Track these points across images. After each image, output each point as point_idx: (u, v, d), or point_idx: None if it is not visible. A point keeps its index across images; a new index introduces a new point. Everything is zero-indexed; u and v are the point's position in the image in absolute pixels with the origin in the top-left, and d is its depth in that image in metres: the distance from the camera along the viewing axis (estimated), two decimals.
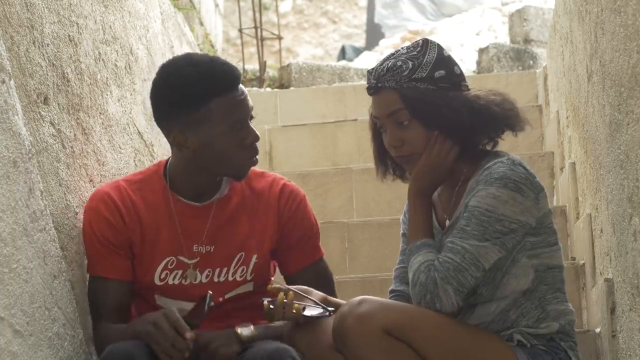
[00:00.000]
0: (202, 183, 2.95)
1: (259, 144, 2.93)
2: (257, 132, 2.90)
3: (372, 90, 2.84)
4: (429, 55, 2.80)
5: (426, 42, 2.83)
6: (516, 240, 2.71)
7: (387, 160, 2.90)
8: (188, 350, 2.65)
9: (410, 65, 2.79)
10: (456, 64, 2.83)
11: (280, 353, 2.72)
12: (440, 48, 2.83)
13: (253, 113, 2.91)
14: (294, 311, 2.73)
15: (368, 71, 2.86)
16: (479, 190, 2.71)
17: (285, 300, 2.74)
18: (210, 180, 2.95)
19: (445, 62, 2.81)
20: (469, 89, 2.83)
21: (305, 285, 2.87)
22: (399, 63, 2.80)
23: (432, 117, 2.77)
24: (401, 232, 2.98)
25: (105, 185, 3.03)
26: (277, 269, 3.10)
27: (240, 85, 2.88)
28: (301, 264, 3.02)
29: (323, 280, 3.02)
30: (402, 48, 2.85)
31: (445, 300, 2.66)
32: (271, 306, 2.73)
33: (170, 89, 2.86)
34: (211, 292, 2.72)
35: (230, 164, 2.88)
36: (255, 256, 2.96)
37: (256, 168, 2.99)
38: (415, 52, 2.81)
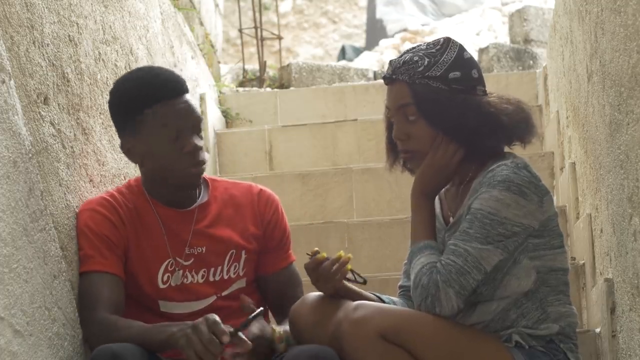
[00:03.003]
0: (171, 193, 3.01)
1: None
2: (198, 143, 2.94)
3: (386, 80, 2.85)
4: (447, 54, 2.79)
5: (447, 41, 2.82)
6: (518, 242, 2.71)
7: (398, 151, 2.90)
8: (220, 355, 2.61)
9: (426, 62, 2.78)
10: (475, 67, 2.81)
11: (324, 354, 2.69)
12: (461, 49, 2.82)
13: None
14: (345, 269, 2.78)
15: (390, 61, 2.87)
16: (482, 193, 2.71)
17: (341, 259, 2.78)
18: (176, 190, 3.01)
19: (463, 63, 2.79)
20: (485, 94, 2.81)
21: (278, 286, 3.05)
22: (416, 58, 2.80)
23: (437, 116, 2.77)
24: None
25: (94, 197, 3.07)
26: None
27: (184, 96, 2.94)
28: (276, 267, 3.09)
29: (295, 282, 3.11)
30: (423, 43, 2.85)
31: (446, 303, 2.66)
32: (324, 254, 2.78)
33: (115, 100, 3.00)
34: (262, 309, 2.70)
35: (173, 172, 2.95)
36: (244, 251, 3.04)
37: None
38: (434, 50, 2.80)
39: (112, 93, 3.01)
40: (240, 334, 2.64)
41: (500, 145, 2.81)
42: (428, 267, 2.69)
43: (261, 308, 2.70)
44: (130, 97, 2.94)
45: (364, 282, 2.85)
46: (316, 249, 2.83)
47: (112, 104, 3.01)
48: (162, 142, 2.92)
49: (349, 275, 2.83)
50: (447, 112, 2.76)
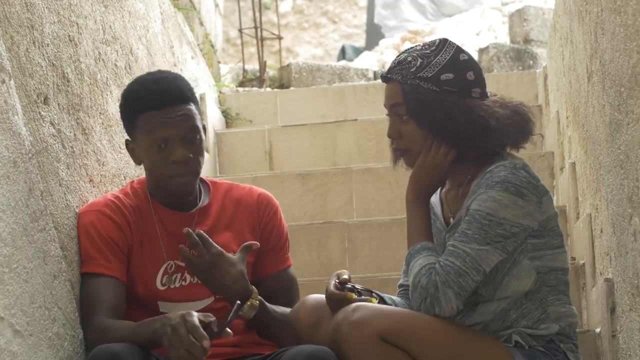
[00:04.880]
0: (172, 195, 3.02)
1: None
2: (187, 153, 2.93)
3: (382, 79, 2.86)
4: (441, 55, 2.79)
5: (443, 42, 2.82)
6: (517, 243, 2.71)
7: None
8: (203, 358, 2.60)
9: (419, 62, 2.78)
10: (472, 70, 2.80)
11: (323, 354, 2.69)
12: (458, 50, 2.81)
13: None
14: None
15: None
16: (480, 194, 2.71)
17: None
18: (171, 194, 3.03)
19: (457, 65, 2.78)
20: (483, 97, 2.80)
21: (273, 289, 3.03)
22: (409, 58, 2.80)
23: (426, 118, 2.77)
24: None
25: (99, 198, 3.08)
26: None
27: (177, 106, 2.94)
28: (272, 270, 3.09)
29: (290, 286, 3.11)
30: (420, 44, 2.85)
31: (445, 304, 2.66)
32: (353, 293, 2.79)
33: (120, 102, 3.07)
34: (239, 302, 2.71)
35: (160, 180, 2.98)
36: (239, 248, 3.01)
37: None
38: (428, 51, 2.80)
39: (121, 95, 3.07)
40: (227, 329, 2.65)
41: (491, 148, 2.80)
42: (426, 268, 2.69)
43: (238, 302, 2.69)
44: (129, 102, 3.00)
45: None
46: (345, 276, 2.81)
47: (120, 105, 3.07)
48: (149, 150, 2.95)
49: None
50: (435, 114, 2.76)
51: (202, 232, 2.88)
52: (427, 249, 2.75)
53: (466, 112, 2.75)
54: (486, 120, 2.75)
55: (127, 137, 3.05)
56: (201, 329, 2.59)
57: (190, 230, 2.87)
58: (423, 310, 2.68)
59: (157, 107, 2.94)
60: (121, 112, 3.05)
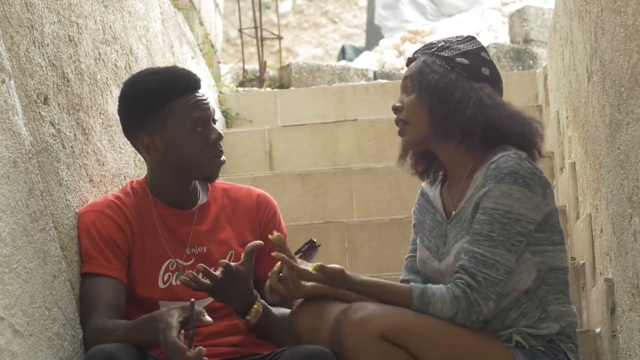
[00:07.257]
0: (180, 191, 3.03)
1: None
2: (221, 132, 3.00)
3: (408, 61, 2.94)
4: (465, 45, 2.86)
5: (471, 37, 2.89)
6: (527, 240, 2.73)
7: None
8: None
9: (442, 44, 2.86)
10: (488, 68, 2.84)
11: (322, 354, 2.69)
12: (482, 49, 2.87)
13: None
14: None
15: None
16: (491, 189, 2.70)
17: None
18: (187, 187, 3.04)
19: (476, 58, 2.84)
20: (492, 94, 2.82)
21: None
22: (436, 41, 2.90)
23: (426, 89, 2.81)
24: (412, 222, 2.98)
25: (100, 198, 3.08)
26: None
27: (201, 90, 3.02)
28: (269, 270, 3.05)
29: None
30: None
31: (487, 312, 2.69)
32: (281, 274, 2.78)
33: (134, 96, 3.01)
34: (194, 299, 2.70)
35: (197, 163, 2.98)
36: (243, 253, 3.00)
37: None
38: (455, 39, 2.88)
39: (127, 95, 3.02)
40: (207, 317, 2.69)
41: (490, 140, 2.80)
42: (449, 297, 2.67)
43: (192, 299, 2.70)
44: (152, 93, 2.97)
45: (317, 245, 2.85)
46: (278, 264, 2.80)
47: (128, 104, 3.02)
48: (189, 132, 2.96)
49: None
50: (436, 87, 2.79)
51: (205, 267, 2.83)
52: (410, 289, 2.71)
53: (470, 95, 2.77)
54: (487, 108, 2.76)
55: (143, 134, 2.98)
56: (179, 344, 2.61)
57: (199, 274, 2.82)
58: (468, 324, 2.68)
59: (190, 90, 2.98)
60: (138, 107, 2.99)
